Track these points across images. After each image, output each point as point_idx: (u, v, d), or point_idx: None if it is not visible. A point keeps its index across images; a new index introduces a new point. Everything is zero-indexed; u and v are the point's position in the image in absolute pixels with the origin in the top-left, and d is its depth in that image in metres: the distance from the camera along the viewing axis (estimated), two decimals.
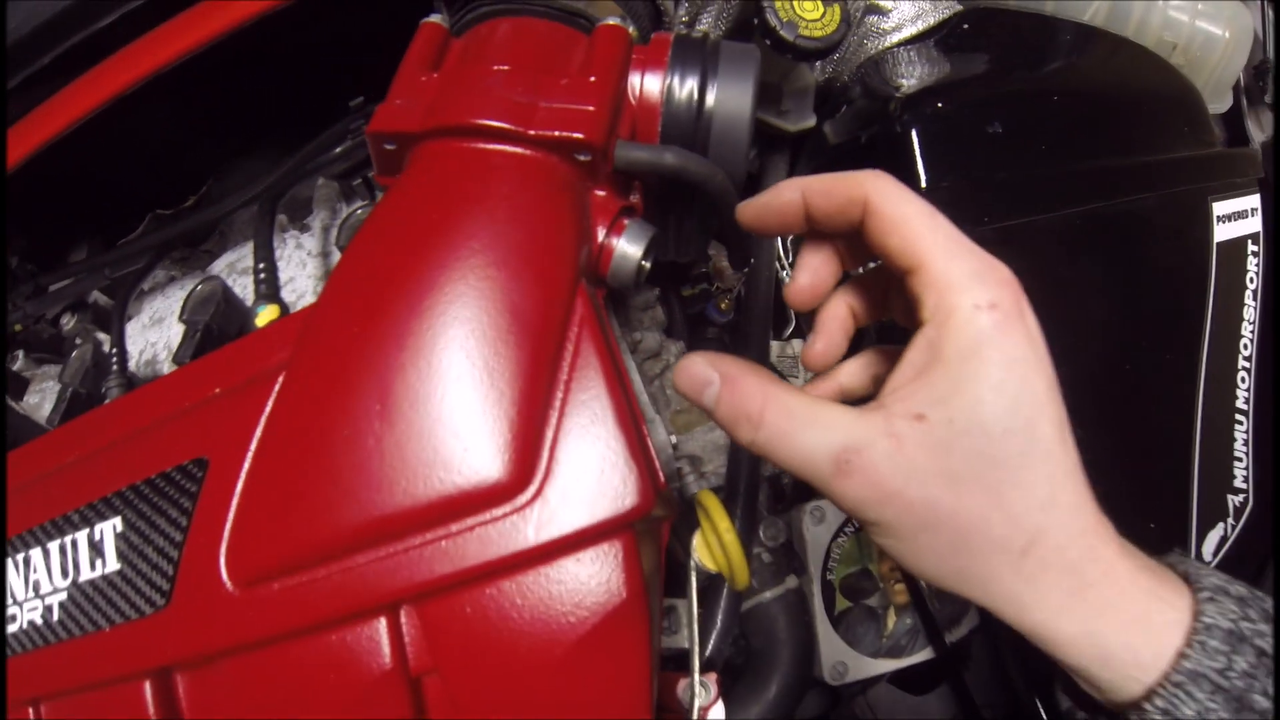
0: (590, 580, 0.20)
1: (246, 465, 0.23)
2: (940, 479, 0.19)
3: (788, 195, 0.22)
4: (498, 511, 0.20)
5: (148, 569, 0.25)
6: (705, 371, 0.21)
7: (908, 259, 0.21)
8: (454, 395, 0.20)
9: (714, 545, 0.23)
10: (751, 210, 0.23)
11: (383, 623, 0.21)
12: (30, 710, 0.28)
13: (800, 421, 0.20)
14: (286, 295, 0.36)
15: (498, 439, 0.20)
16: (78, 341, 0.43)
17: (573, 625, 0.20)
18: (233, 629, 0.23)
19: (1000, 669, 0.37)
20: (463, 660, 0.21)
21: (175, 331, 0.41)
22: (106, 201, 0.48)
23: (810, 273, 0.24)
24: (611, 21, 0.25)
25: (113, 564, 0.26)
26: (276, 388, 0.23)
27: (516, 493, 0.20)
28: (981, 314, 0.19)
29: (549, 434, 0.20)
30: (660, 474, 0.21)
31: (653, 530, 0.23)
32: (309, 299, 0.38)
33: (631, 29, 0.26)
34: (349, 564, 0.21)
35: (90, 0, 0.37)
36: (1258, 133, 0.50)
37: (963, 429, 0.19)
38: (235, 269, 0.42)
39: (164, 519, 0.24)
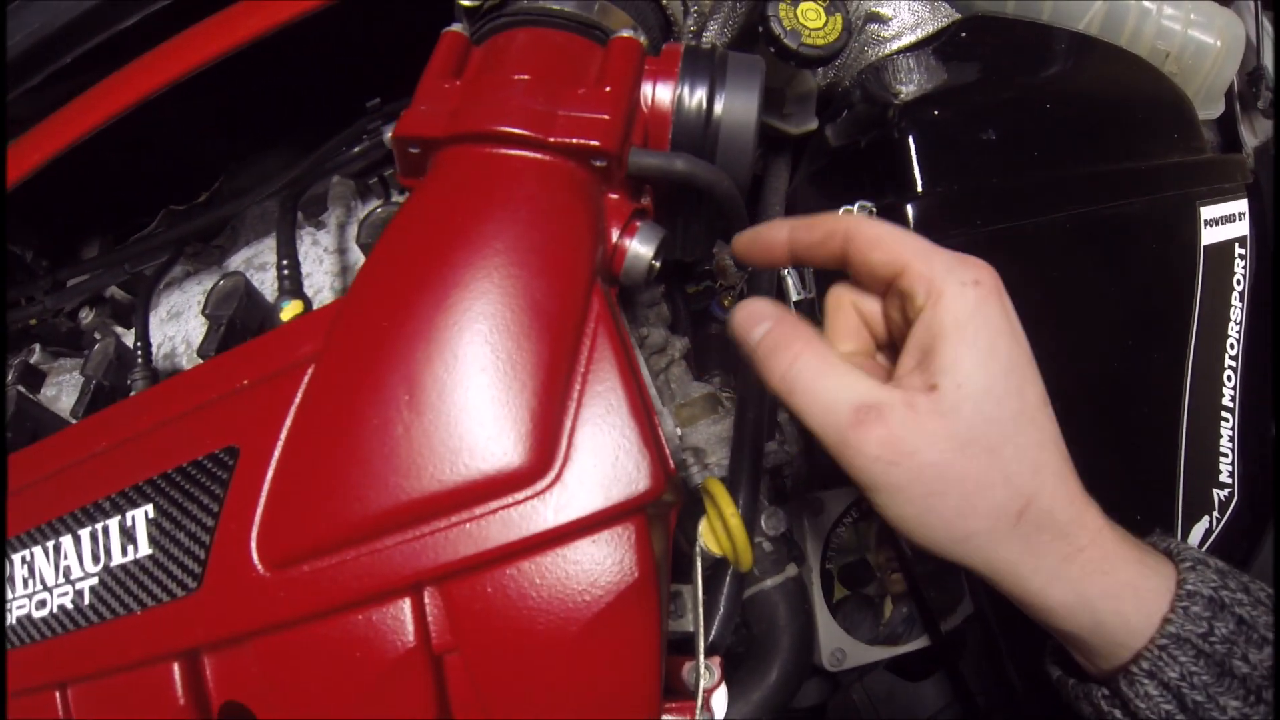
0: (605, 560, 0.21)
1: (277, 452, 0.24)
2: (951, 442, 0.20)
3: (776, 233, 0.24)
4: (518, 495, 0.21)
5: (180, 553, 0.26)
6: (766, 309, 0.23)
7: (893, 265, 0.22)
8: (478, 386, 0.21)
9: (719, 530, 0.24)
10: (742, 242, 0.25)
11: (407, 602, 0.22)
12: (56, 694, 0.29)
13: (831, 368, 0.22)
14: (305, 290, 0.37)
15: (519, 427, 0.21)
16: (97, 335, 0.44)
17: (588, 603, 0.21)
18: (263, 610, 0.24)
19: (994, 656, 0.38)
20: (483, 638, 0.22)
21: (193, 325, 0.43)
22: (120, 197, 0.49)
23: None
24: (625, 33, 0.27)
25: (144, 549, 0.27)
26: (306, 378, 0.24)
27: (536, 478, 0.21)
28: (968, 289, 0.21)
29: (567, 423, 0.21)
30: (670, 461, 0.23)
31: (662, 516, 0.24)
32: (326, 294, 0.39)
33: (643, 39, 0.28)
34: (376, 546, 0.22)
35: (114, 1, 0.38)
36: (1251, 138, 0.52)
37: (970, 393, 0.20)
38: (253, 264, 0.43)
39: (196, 505, 0.26)
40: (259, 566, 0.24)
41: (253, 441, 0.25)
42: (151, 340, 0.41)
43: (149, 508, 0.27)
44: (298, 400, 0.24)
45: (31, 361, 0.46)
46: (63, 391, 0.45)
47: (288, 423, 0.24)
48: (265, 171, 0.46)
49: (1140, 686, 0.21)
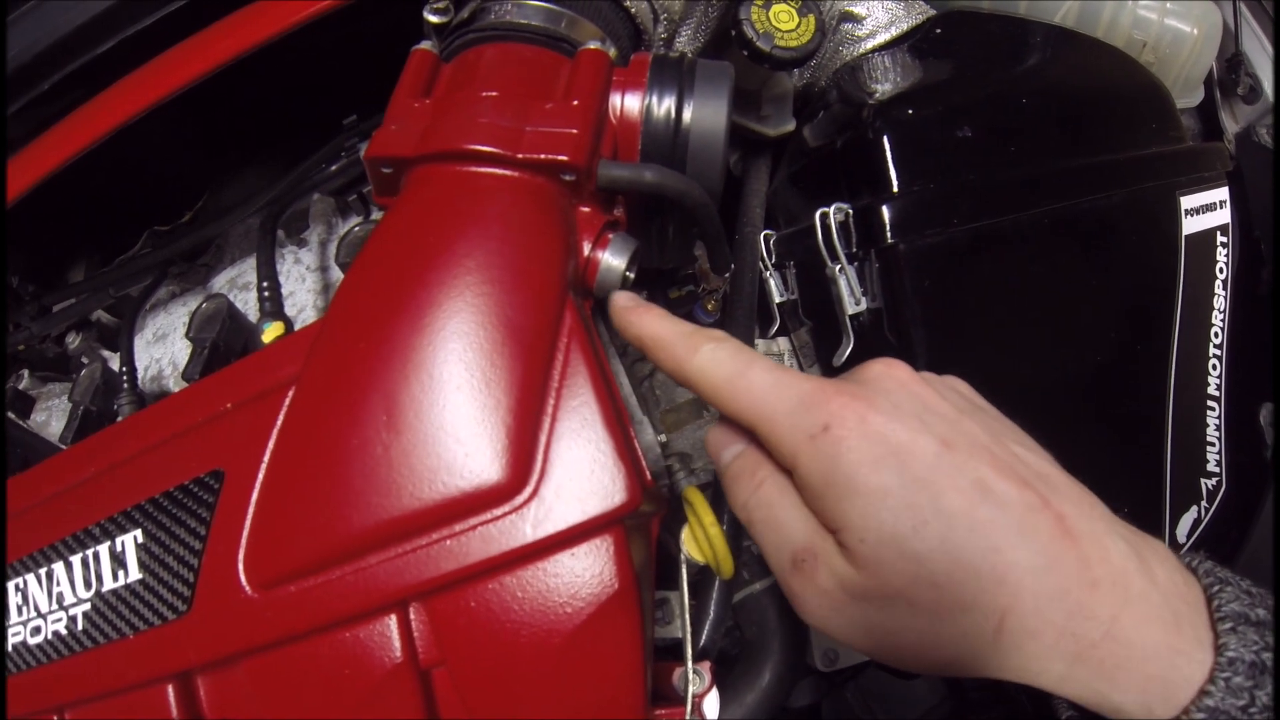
0: (585, 573, 0.21)
1: (261, 475, 0.24)
2: (885, 592, 0.19)
3: (646, 324, 0.23)
4: (497, 511, 0.21)
5: (169, 577, 0.26)
6: (736, 435, 0.23)
7: (743, 423, 0.22)
8: (455, 404, 0.22)
9: (700, 538, 0.24)
10: (617, 306, 0.25)
11: (393, 619, 0.23)
12: (54, 719, 0.29)
13: (785, 506, 0.21)
14: (288, 310, 0.37)
15: (496, 444, 0.21)
16: (84, 360, 0.44)
17: (569, 615, 0.21)
18: (253, 630, 0.24)
19: None
20: (469, 651, 0.22)
21: (179, 347, 0.43)
22: (104, 219, 0.49)
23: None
24: (593, 45, 0.27)
25: (135, 574, 0.27)
26: (287, 401, 0.24)
27: (514, 493, 0.21)
28: (819, 441, 0.19)
29: (543, 438, 0.22)
30: (647, 472, 0.23)
31: (642, 526, 0.24)
32: (309, 313, 0.39)
33: (612, 51, 0.28)
34: (361, 565, 0.22)
35: (90, 26, 0.38)
36: (1232, 124, 0.52)
37: (878, 544, 0.19)
38: (236, 284, 0.43)
39: (184, 529, 0.26)
40: (247, 588, 0.25)
41: (237, 465, 0.25)
42: (138, 363, 0.41)
43: (138, 533, 0.27)
44: (279, 423, 0.25)
45: (20, 387, 0.46)
46: (52, 417, 0.45)
47: (270, 445, 0.25)
48: (248, 189, 0.46)
49: None
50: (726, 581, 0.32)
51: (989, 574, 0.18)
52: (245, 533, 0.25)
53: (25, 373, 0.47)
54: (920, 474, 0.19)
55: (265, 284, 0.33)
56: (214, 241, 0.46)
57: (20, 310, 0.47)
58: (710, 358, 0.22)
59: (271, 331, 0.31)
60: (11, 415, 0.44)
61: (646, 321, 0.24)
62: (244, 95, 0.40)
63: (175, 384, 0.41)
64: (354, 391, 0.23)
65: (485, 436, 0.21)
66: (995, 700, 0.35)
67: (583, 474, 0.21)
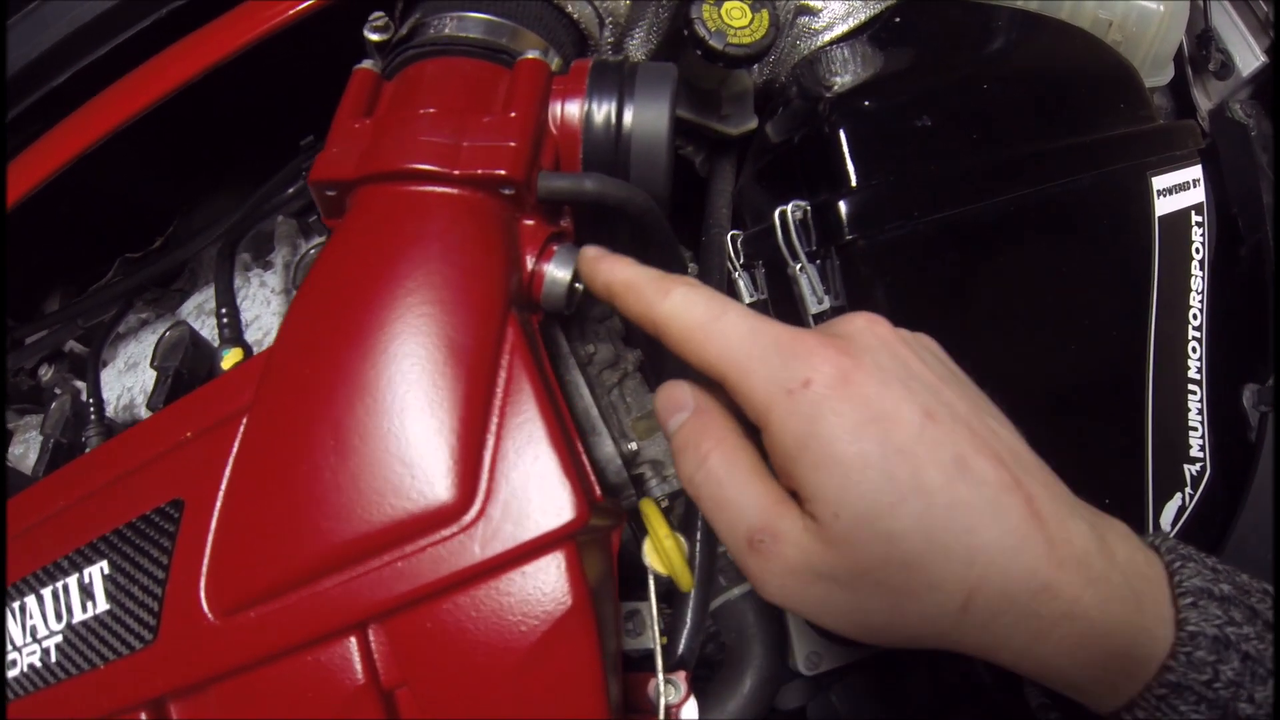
0: (536, 591, 0.21)
1: (219, 503, 0.24)
2: (855, 569, 0.18)
3: (616, 272, 0.22)
4: (445, 532, 0.21)
5: (135, 607, 0.26)
6: (685, 396, 0.21)
7: (711, 373, 0.20)
8: (399, 427, 0.21)
9: (661, 549, 0.24)
10: (587, 261, 0.23)
11: (353, 641, 0.23)
12: None
13: (735, 478, 0.19)
14: (253, 333, 0.37)
15: (440, 464, 0.21)
16: (57, 391, 0.44)
17: (524, 633, 0.21)
18: (216, 657, 0.24)
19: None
20: (429, 671, 0.22)
21: (149, 376, 0.43)
22: (76, 248, 0.49)
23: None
24: (531, 55, 0.27)
25: (102, 605, 0.27)
26: (241, 429, 0.24)
27: (461, 513, 0.21)
28: (798, 397, 0.18)
29: (487, 457, 0.21)
30: (596, 487, 0.23)
31: (599, 539, 0.24)
32: (275, 336, 0.39)
33: (555, 60, 0.28)
34: (317, 588, 0.22)
35: (47, 58, 0.38)
36: (1205, 100, 0.51)
37: (852, 519, 0.18)
38: (203, 310, 0.43)
39: (147, 559, 0.26)
40: (209, 615, 0.25)
41: (196, 494, 0.25)
42: (111, 393, 0.41)
43: (104, 564, 0.27)
44: (235, 450, 0.25)
45: None
46: (29, 449, 0.45)
47: (227, 473, 0.25)
48: (219, 212, 0.46)
49: None
50: (704, 588, 0.31)
51: (961, 554, 0.18)
52: (205, 561, 0.25)
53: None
54: (902, 445, 0.18)
55: (224, 310, 0.33)
56: (187, 266, 0.46)
57: None
58: (682, 300, 0.20)
59: (230, 358, 0.31)
60: None
61: (616, 268, 0.22)
62: (209, 118, 0.40)
63: (145, 413, 0.41)
64: (301, 417, 0.23)
65: (430, 458, 0.21)
66: (976, 692, 0.35)
67: (529, 492, 0.21)
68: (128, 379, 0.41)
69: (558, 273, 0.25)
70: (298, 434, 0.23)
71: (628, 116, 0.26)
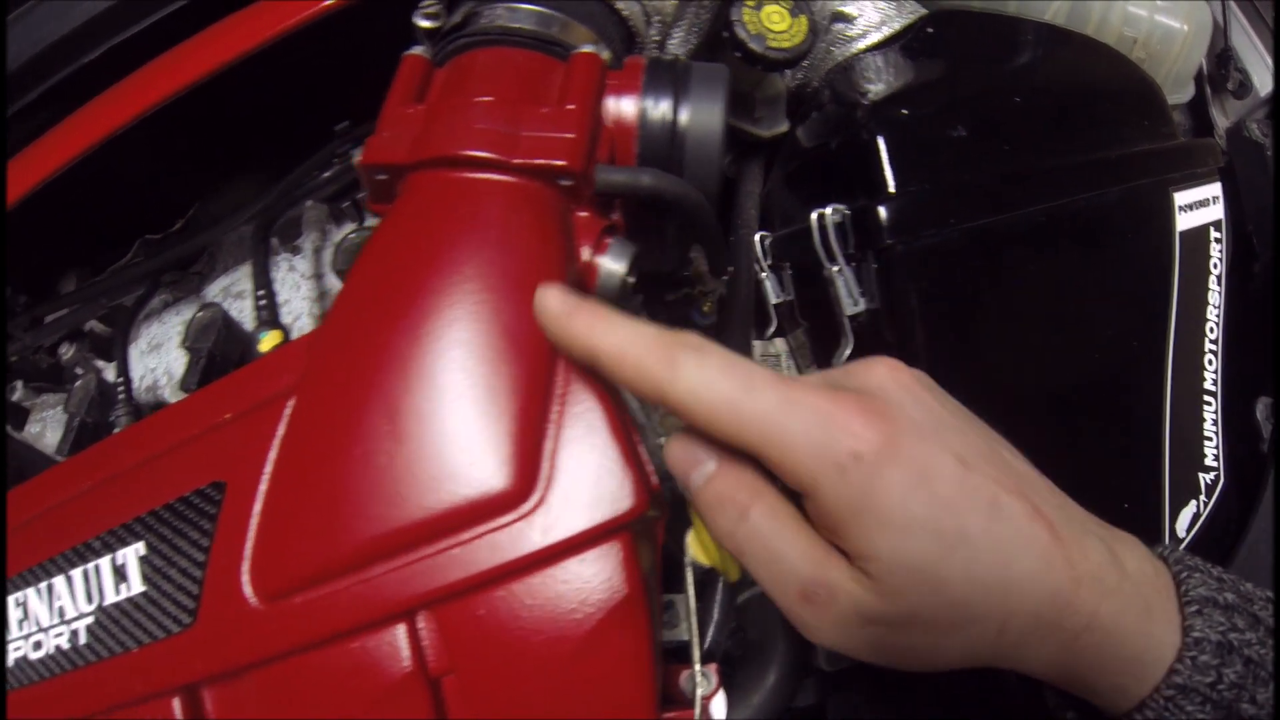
0: (593, 579, 0.21)
1: (264, 486, 0.24)
2: (903, 617, 0.19)
3: (580, 344, 0.20)
4: (504, 519, 0.21)
5: (173, 589, 0.26)
6: (701, 453, 0.20)
7: (741, 447, 0.19)
8: (459, 413, 0.21)
9: (706, 543, 0.24)
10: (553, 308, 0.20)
11: (402, 628, 0.23)
12: None
13: (779, 532, 0.19)
14: (283, 317, 0.37)
15: (501, 451, 0.21)
16: (79, 371, 0.44)
17: (579, 621, 0.21)
18: (259, 642, 0.24)
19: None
20: (478, 659, 0.22)
21: (174, 357, 0.42)
22: (95, 229, 0.48)
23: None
24: (587, 49, 0.27)
25: (137, 587, 0.27)
26: (288, 410, 0.24)
27: (521, 501, 0.21)
28: (849, 472, 0.18)
29: (548, 445, 0.22)
30: (653, 477, 0.23)
31: (648, 530, 0.24)
32: (305, 320, 0.39)
33: (606, 54, 0.28)
34: (368, 574, 0.22)
35: (80, 34, 0.38)
36: (1222, 119, 0.52)
37: (906, 576, 0.18)
38: (230, 293, 0.43)
39: (186, 541, 0.26)
40: (252, 600, 0.24)
41: (238, 476, 0.25)
42: (133, 373, 0.41)
43: (140, 545, 0.27)
44: (280, 433, 0.25)
45: (15, 399, 0.46)
46: (46, 428, 0.44)
47: (272, 456, 0.25)
48: (239, 197, 0.46)
49: None
50: (731, 584, 0.32)
51: (998, 588, 0.19)
52: (249, 544, 0.24)
53: (19, 384, 0.46)
54: (946, 499, 0.19)
55: (261, 292, 0.32)
56: (206, 250, 0.46)
57: (13, 321, 0.46)
58: (698, 376, 0.19)
59: (269, 340, 0.31)
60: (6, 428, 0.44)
61: (598, 329, 0.20)
62: (234, 103, 0.39)
63: (171, 394, 0.40)
64: (355, 401, 0.23)
65: (490, 444, 0.21)
66: (995, 691, 0.35)
67: (590, 480, 0.21)
68: (150, 360, 0.41)
69: (613, 265, 0.25)
70: (350, 417, 0.23)
71: (683, 115, 0.26)
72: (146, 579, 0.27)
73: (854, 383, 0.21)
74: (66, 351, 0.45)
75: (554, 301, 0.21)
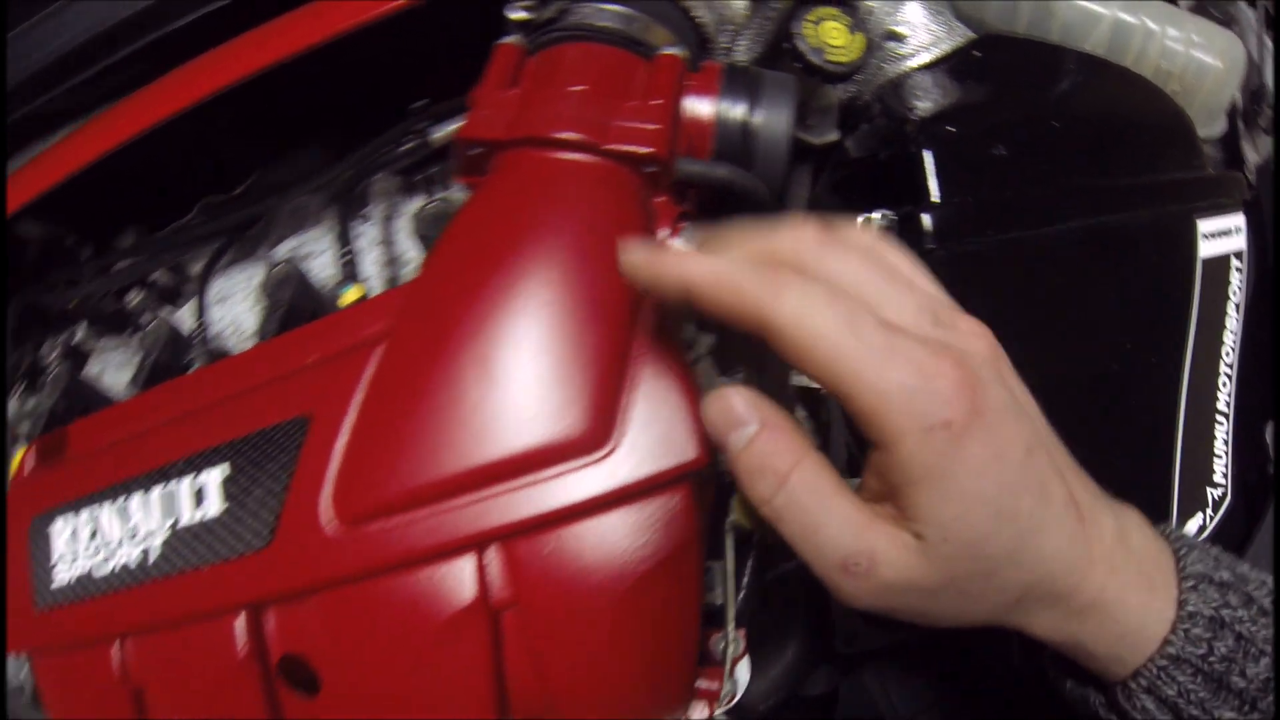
0: (656, 523, 0.23)
1: (350, 420, 0.26)
2: (945, 581, 0.20)
3: (673, 274, 0.20)
4: (579, 462, 0.23)
5: (250, 512, 0.28)
6: (745, 411, 0.20)
7: (830, 386, 0.18)
8: (544, 365, 0.24)
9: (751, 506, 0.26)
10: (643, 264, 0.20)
11: (471, 559, 0.24)
12: (116, 646, 0.30)
13: (823, 500, 0.19)
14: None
15: (582, 401, 0.23)
16: (147, 316, 0.46)
17: (638, 562, 0.23)
18: (333, 564, 0.26)
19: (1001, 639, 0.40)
20: (540, 593, 0.24)
21: (241, 309, 0.45)
22: (157, 190, 0.51)
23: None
24: (670, 51, 0.29)
25: (215, 509, 0.28)
26: (377, 354, 0.26)
27: (596, 447, 0.23)
28: (936, 436, 0.18)
29: (623, 400, 0.24)
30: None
31: (705, 488, 0.26)
32: (375, 282, 0.41)
33: (684, 55, 0.30)
34: (445, 506, 0.24)
35: (161, 5, 0.40)
36: (1253, 154, 0.54)
37: (960, 544, 0.19)
38: (298, 254, 0.45)
39: (271, 463, 0.27)
40: (331, 524, 0.26)
41: (324, 410, 0.27)
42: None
43: (223, 467, 0.29)
44: (369, 372, 0.27)
45: (76, 341, 0.48)
46: (105, 371, 0.47)
47: (359, 394, 0.27)
48: (299, 168, 0.48)
49: (1138, 700, 0.22)
50: (759, 556, 0.34)
51: (1029, 563, 0.20)
52: (331, 472, 0.26)
53: (82, 326, 0.49)
54: (1010, 481, 0.19)
55: (346, 249, 0.35)
56: (263, 217, 0.48)
57: (77, 268, 0.49)
58: (802, 304, 0.18)
59: (351, 294, 0.33)
60: (70, 365, 0.46)
61: (692, 261, 0.19)
62: (308, 80, 0.42)
63: (237, 344, 0.43)
64: (448, 348, 0.25)
65: (572, 394, 0.23)
66: (1007, 673, 0.37)
67: (659, 432, 0.23)
68: (217, 311, 0.43)
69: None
70: (444, 361, 0.25)
71: (756, 117, 0.28)
72: (227, 498, 0.28)
73: (959, 341, 0.20)
74: (134, 298, 0.47)
75: (641, 247, 0.21)
